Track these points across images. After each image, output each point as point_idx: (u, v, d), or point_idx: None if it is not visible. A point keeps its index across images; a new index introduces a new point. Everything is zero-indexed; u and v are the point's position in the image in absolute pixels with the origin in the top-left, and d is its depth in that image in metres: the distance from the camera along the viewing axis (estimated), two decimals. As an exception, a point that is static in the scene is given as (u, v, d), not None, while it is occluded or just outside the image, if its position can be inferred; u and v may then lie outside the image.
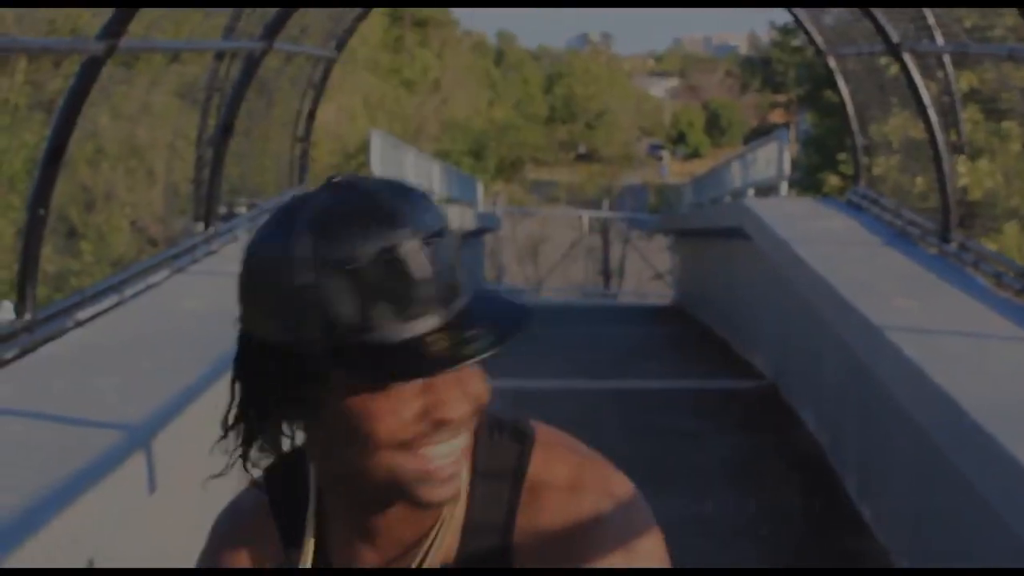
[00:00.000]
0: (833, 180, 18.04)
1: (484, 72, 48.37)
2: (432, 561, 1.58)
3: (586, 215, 39.62)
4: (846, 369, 7.28)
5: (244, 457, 1.61)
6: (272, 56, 9.58)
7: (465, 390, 1.47)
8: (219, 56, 9.68)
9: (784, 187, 13.92)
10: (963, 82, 9.88)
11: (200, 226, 8.88)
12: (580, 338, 14.30)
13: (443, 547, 1.58)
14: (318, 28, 11.02)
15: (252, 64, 8.72)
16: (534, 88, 70.71)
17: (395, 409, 1.43)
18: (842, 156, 16.01)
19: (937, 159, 8.45)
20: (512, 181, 55.92)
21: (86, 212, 16.35)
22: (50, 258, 15.05)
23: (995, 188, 11.68)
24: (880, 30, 8.53)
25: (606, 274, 34.06)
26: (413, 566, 1.58)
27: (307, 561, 1.62)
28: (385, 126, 22.06)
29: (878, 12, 8.65)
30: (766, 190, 14.38)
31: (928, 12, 8.49)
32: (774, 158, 14.04)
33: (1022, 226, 11.78)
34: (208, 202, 8.73)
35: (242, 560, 1.69)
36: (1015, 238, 10.94)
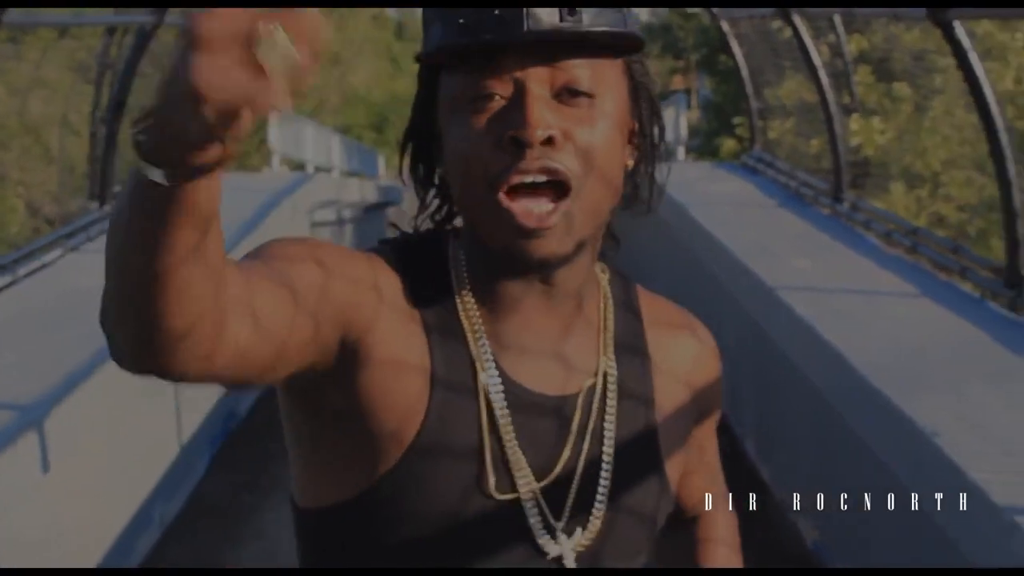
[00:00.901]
0: (729, 144, 18.16)
1: (385, 45, 48.05)
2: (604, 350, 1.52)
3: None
4: (743, 331, 7.35)
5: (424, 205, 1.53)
6: (167, 30, 9.44)
7: (559, 124, 1.35)
8: (111, 31, 9.54)
9: (681, 152, 14.03)
10: (852, 45, 10.01)
11: (95, 204, 8.77)
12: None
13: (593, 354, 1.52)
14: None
15: (144, 38, 8.60)
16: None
17: (477, 126, 1.36)
18: (738, 120, 16.14)
19: (829, 120, 8.56)
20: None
21: (-22, 194, 16.08)
22: (-57, 241, 14.80)
23: (887, 146, 11.87)
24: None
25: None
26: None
27: (485, 351, 1.45)
28: (284, 100, 21.80)
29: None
30: (664, 155, 14.43)
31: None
32: (671, 123, 14.12)
33: (909, 185, 11.99)
34: (103, 180, 8.62)
35: (393, 283, 1.46)
36: (901, 197, 11.12)
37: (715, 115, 22.93)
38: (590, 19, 1.35)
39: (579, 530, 1.46)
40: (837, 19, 9.35)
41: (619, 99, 1.42)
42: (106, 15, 8.86)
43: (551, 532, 1.44)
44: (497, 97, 1.36)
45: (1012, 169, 5.57)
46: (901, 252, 6.93)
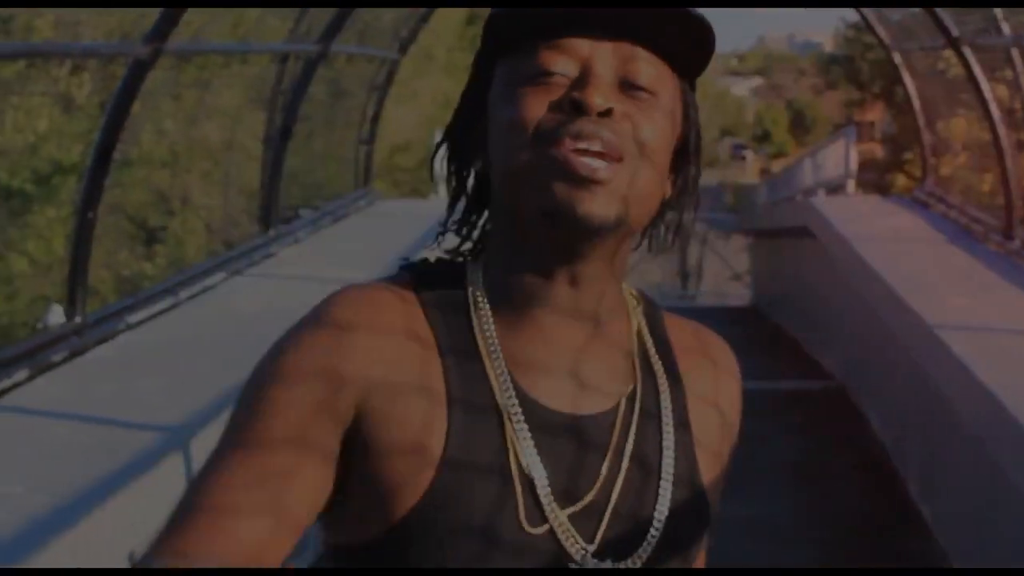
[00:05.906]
0: (901, 180, 17.64)
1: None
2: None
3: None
4: (908, 368, 7.17)
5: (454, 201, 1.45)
6: (339, 57, 9.61)
7: (620, 106, 1.30)
8: (284, 58, 9.74)
9: (851, 185, 13.73)
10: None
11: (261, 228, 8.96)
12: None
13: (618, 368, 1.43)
14: (381, 30, 11.03)
15: (311, 67, 8.76)
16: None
17: (534, 96, 1.30)
18: (908, 156, 15.75)
19: (1000, 155, 8.33)
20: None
21: (167, 216, 16.52)
22: (126, 263, 15.24)
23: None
24: (940, 25, 8.40)
25: (683, 275, 33.86)
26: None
27: (500, 369, 1.37)
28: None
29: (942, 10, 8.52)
30: (835, 188, 14.20)
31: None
32: (841, 156, 13.86)
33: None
34: (267, 205, 8.78)
35: (395, 325, 1.37)
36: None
37: (890, 149, 22.44)
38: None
39: (623, 559, 1.37)
40: (1015, 52, 9.09)
41: (675, 111, 1.37)
42: (272, 43, 9.03)
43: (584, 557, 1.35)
44: (559, 75, 1.31)
45: None
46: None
